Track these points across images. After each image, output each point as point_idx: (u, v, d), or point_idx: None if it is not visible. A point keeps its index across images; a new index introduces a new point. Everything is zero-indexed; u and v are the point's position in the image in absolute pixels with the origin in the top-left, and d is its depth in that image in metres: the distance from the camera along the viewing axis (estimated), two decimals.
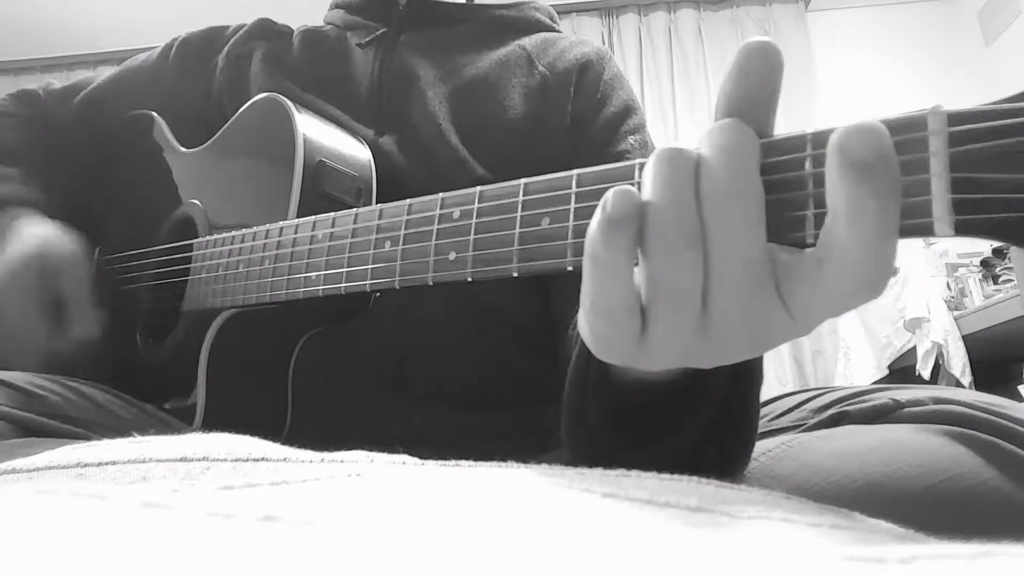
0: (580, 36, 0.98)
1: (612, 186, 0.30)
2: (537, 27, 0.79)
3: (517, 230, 0.37)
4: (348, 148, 0.64)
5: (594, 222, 0.29)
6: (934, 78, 3.02)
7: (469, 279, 0.39)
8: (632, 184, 0.33)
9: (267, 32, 0.79)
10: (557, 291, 0.66)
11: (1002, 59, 2.91)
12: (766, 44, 0.29)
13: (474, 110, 0.70)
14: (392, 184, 0.64)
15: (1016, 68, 2.80)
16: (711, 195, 0.29)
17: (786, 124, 3.41)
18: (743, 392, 0.39)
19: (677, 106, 3.15)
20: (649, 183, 0.29)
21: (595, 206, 0.30)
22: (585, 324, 0.32)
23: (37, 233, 0.66)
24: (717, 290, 0.29)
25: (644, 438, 0.39)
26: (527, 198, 0.37)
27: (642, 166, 0.32)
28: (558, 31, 0.81)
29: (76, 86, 0.84)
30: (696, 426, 0.38)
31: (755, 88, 0.29)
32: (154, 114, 0.79)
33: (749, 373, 0.39)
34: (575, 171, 0.35)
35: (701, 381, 0.37)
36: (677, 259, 0.29)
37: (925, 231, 0.27)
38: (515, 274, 0.37)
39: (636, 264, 0.30)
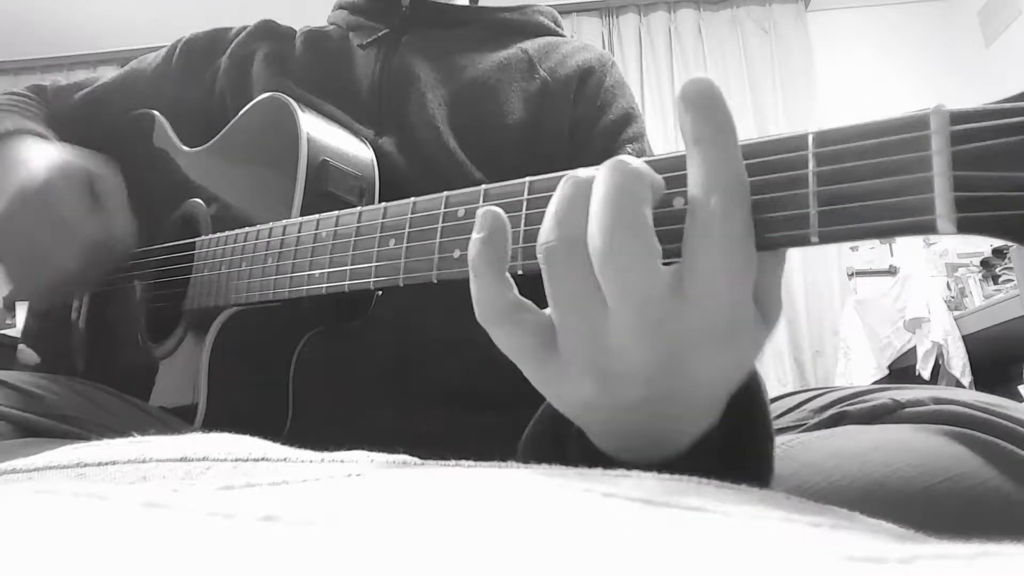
0: (580, 36, 0.98)
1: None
2: (540, 30, 0.79)
3: (522, 228, 0.37)
4: (351, 148, 0.64)
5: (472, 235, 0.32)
6: (934, 78, 3.02)
7: None
8: None
9: (270, 33, 0.79)
10: None
11: (1002, 59, 2.91)
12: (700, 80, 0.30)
13: (473, 113, 0.70)
14: (391, 185, 0.64)
15: (1016, 68, 2.80)
16: (594, 228, 0.29)
17: (787, 124, 3.40)
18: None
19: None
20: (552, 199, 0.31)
21: None
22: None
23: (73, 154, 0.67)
24: (618, 308, 0.29)
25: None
26: (531, 196, 0.37)
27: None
28: (561, 35, 0.81)
29: (81, 84, 0.84)
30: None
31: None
32: (156, 113, 0.79)
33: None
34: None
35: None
36: (560, 270, 0.30)
37: (928, 229, 0.27)
38: (520, 272, 0.36)
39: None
